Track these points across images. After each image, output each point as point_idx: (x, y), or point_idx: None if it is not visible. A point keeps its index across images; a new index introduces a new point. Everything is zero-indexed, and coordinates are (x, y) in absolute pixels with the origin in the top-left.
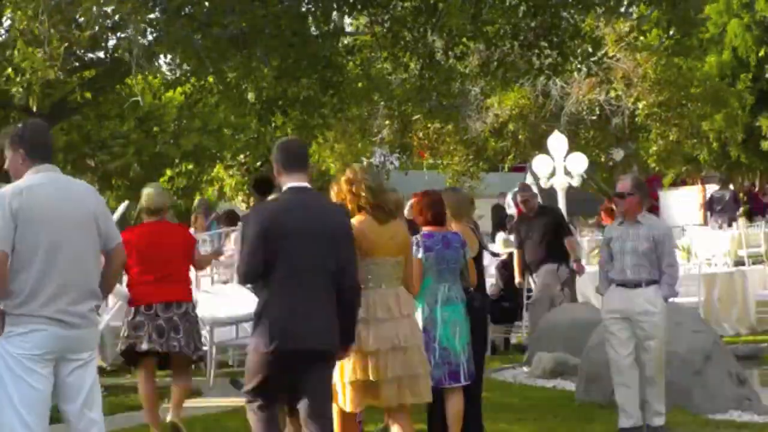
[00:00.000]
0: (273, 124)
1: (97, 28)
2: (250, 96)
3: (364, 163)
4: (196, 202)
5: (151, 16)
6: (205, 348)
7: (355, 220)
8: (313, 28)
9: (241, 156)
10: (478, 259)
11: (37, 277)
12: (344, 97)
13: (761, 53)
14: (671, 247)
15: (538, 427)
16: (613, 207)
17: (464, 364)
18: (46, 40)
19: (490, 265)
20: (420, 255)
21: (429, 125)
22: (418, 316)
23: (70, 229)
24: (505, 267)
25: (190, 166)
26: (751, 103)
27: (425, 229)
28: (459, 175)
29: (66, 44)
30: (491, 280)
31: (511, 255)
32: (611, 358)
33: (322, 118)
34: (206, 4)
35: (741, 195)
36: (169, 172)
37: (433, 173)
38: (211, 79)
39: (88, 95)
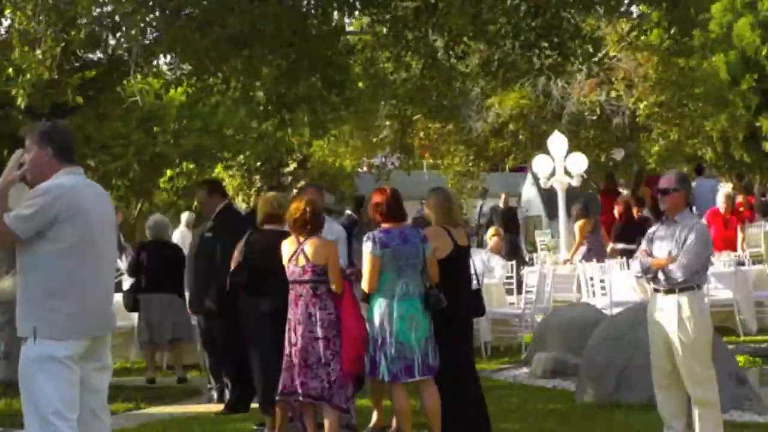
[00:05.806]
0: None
1: (96, 27)
2: (259, 95)
3: (365, 163)
4: None
5: (151, 15)
6: None
7: None
8: (313, 28)
9: (242, 156)
10: (451, 259)
11: (81, 279)
12: (348, 97)
13: (763, 52)
14: (693, 245)
15: (538, 427)
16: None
17: (419, 358)
18: (42, 40)
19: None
20: (377, 252)
21: (429, 125)
22: (376, 311)
23: (107, 231)
24: None
25: (191, 166)
26: (756, 103)
27: (383, 226)
28: (460, 176)
29: (62, 44)
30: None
31: None
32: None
33: (333, 112)
34: (206, 3)
35: None
36: (169, 172)
37: (434, 173)
38: (212, 79)
39: (80, 100)
